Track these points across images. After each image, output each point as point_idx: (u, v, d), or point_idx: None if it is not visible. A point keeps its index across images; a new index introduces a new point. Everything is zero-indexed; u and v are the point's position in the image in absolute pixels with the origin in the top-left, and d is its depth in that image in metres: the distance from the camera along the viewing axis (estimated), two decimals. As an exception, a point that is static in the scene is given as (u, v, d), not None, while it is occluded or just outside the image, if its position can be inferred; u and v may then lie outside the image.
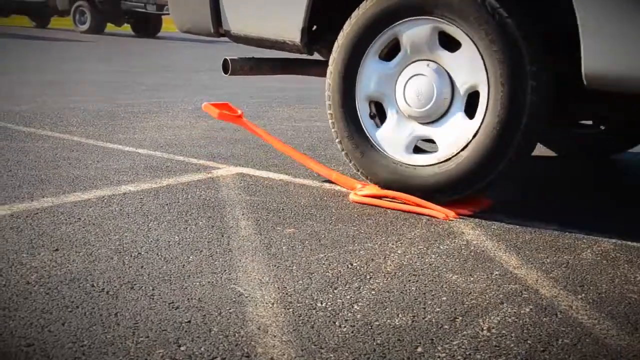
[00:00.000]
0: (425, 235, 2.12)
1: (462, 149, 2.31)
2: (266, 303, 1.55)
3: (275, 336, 1.39)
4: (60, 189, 2.42)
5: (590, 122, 3.59)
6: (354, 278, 1.74)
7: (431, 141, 2.47)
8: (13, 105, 4.42)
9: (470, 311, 1.57)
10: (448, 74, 2.35)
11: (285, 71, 3.07)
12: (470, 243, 2.07)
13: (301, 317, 1.49)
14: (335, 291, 1.64)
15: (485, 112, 2.26)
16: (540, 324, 1.52)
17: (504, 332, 1.47)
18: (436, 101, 2.35)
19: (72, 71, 7.10)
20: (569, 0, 2.11)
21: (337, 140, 2.58)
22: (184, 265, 1.76)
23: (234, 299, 1.56)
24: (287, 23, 2.66)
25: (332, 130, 2.59)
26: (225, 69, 2.85)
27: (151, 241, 1.93)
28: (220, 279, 1.68)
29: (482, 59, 2.25)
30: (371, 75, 2.49)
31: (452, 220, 2.30)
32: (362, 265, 1.83)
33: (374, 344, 1.39)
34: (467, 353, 1.37)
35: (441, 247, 2.01)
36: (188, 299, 1.55)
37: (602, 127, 3.60)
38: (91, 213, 2.16)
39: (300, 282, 1.69)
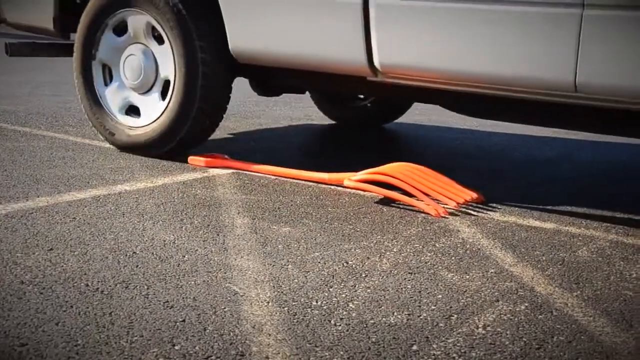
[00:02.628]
0: (421, 234, 2.12)
1: (154, 121, 2.93)
2: (261, 302, 1.55)
3: (270, 335, 1.39)
4: (56, 188, 2.42)
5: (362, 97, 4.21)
6: (350, 276, 1.73)
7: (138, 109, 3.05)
8: (9, 104, 4.41)
9: (465, 309, 1.57)
10: (156, 60, 2.95)
11: (62, 53, 3.60)
12: (466, 241, 2.07)
13: (296, 316, 1.49)
14: (330, 290, 1.64)
15: (172, 96, 2.88)
16: (535, 321, 1.52)
17: (499, 329, 1.47)
18: (143, 79, 2.97)
19: (69, 71, 7.07)
20: None
21: (79, 98, 3.14)
22: (179, 264, 1.76)
23: (229, 298, 1.56)
24: (43, 14, 3.33)
25: (78, 94, 3.14)
26: (6, 51, 3.41)
27: (146, 240, 1.93)
28: (216, 278, 1.67)
29: (173, 55, 2.85)
30: (105, 45, 3.06)
31: (447, 218, 2.30)
32: (357, 264, 1.83)
33: (369, 342, 1.38)
34: (463, 351, 1.37)
35: (437, 245, 2.01)
36: (183, 298, 1.55)
37: (368, 103, 4.23)
38: (86, 212, 2.15)
39: (296, 280, 1.69)
